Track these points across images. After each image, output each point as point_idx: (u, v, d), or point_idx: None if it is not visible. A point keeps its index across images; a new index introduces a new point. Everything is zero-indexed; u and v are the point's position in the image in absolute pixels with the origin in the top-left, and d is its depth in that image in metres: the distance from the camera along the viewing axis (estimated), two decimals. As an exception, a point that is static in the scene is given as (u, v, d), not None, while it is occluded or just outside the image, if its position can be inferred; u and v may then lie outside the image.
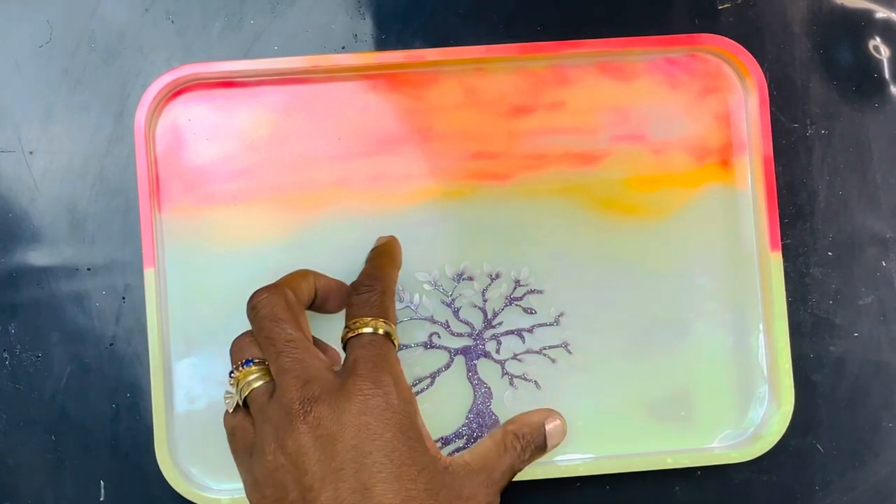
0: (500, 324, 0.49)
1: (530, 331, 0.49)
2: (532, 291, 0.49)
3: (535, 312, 0.49)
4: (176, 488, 0.46)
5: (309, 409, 0.38)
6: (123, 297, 0.48)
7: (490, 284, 0.49)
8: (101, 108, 0.49)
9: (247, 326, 0.49)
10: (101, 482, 0.48)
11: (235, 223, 0.48)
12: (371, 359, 0.39)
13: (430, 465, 0.38)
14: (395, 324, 0.42)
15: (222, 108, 0.48)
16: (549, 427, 0.44)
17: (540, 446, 0.43)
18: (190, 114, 0.48)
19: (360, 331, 0.40)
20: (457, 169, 0.49)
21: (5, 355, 0.48)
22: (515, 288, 0.49)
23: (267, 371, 0.41)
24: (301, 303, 0.42)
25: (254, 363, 0.41)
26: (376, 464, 0.37)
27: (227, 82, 0.48)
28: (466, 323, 0.49)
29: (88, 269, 0.49)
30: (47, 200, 0.49)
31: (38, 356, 0.48)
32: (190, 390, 0.48)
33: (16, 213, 0.49)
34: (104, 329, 0.48)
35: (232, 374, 0.41)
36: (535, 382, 0.49)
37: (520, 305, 0.49)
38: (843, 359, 0.51)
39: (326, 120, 0.48)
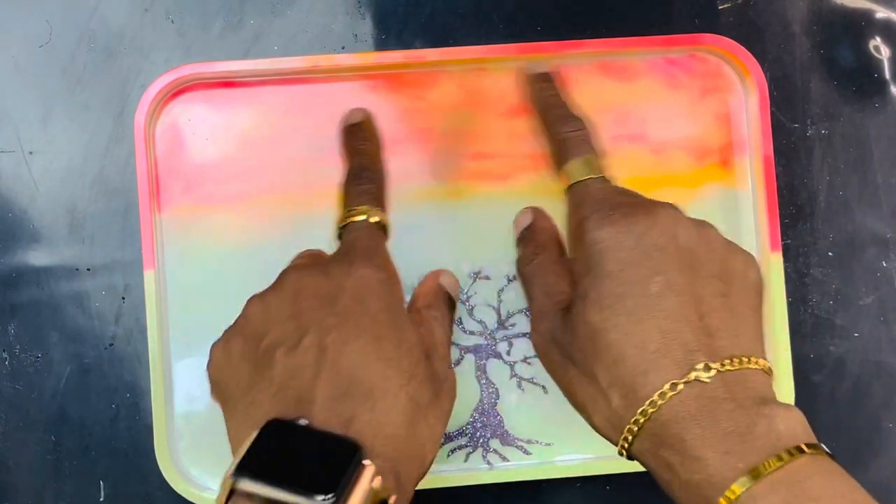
0: (513, 325, 0.49)
1: None
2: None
3: None
4: (176, 488, 0.46)
5: (297, 265, 0.41)
6: (123, 298, 0.48)
7: (507, 285, 0.49)
8: (100, 108, 0.49)
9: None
10: (101, 482, 0.48)
11: (235, 223, 0.48)
12: (364, 239, 0.42)
13: (410, 336, 0.39)
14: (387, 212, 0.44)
15: (222, 108, 0.48)
16: (443, 281, 0.46)
17: (446, 301, 0.45)
18: (190, 114, 0.48)
19: (354, 218, 0.43)
20: (457, 169, 0.49)
21: (5, 355, 0.48)
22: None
23: None
24: None
25: None
26: (357, 323, 0.37)
27: (227, 82, 0.48)
28: (480, 322, 0.49)
29: (88, 270, 0.49)
30: (47, 200, 0.49)
31: (38, 356, 0.48)
32: (190, 390, 0.48)
33: (16, 213, 0.49)
34: (104, 329, 0.48)
35: None
36: (543, 387, 0.48)
37: None
38: (843, 359, 0.50)
39: (326, 120, 0.48)
